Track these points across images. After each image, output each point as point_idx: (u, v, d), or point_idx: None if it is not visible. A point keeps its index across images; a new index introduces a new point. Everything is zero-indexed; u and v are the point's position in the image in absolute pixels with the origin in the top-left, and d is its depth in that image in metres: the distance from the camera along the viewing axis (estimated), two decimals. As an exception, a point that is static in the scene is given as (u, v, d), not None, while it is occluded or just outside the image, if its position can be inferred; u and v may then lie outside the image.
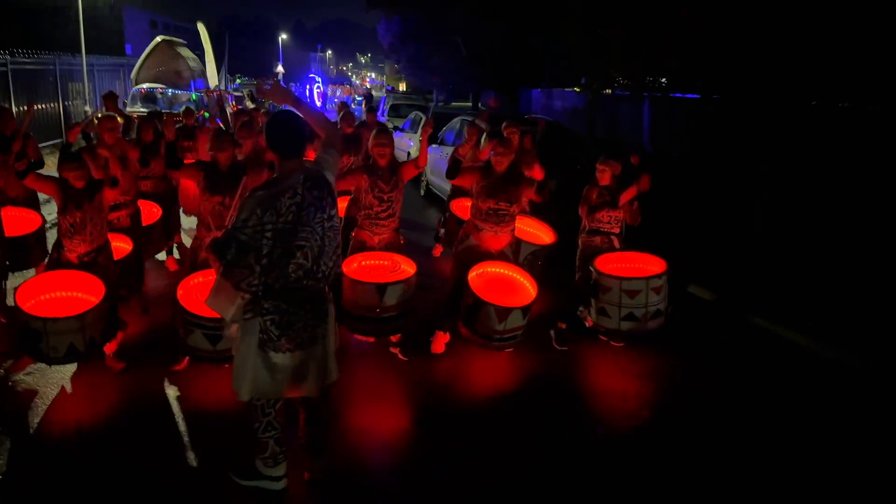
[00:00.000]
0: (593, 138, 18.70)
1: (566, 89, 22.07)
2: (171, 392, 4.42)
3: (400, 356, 5.05)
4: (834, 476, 3.86)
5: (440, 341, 5.17)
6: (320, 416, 3.48)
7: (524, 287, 4.98)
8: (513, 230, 5.23)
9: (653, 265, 5.29)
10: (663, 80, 12.18)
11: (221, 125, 17.43)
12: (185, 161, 7.52)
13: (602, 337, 5.50)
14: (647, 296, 5.02)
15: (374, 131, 5.17)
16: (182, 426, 4.03)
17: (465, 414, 4.39)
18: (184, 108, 9.40)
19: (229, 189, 4.67)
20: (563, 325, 5.43)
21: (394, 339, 5.08)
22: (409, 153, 13.99)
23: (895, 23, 7.25)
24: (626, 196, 5.22)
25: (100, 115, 6.97)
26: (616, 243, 5.49)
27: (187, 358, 4.60)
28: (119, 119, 6.59)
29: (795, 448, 4.14)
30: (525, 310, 4.73)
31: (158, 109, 13.48)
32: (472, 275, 4.85)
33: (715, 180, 12.10)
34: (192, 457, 3.71)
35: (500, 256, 5.13)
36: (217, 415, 4.16)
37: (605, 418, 4.44)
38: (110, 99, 8.69)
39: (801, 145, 10.22)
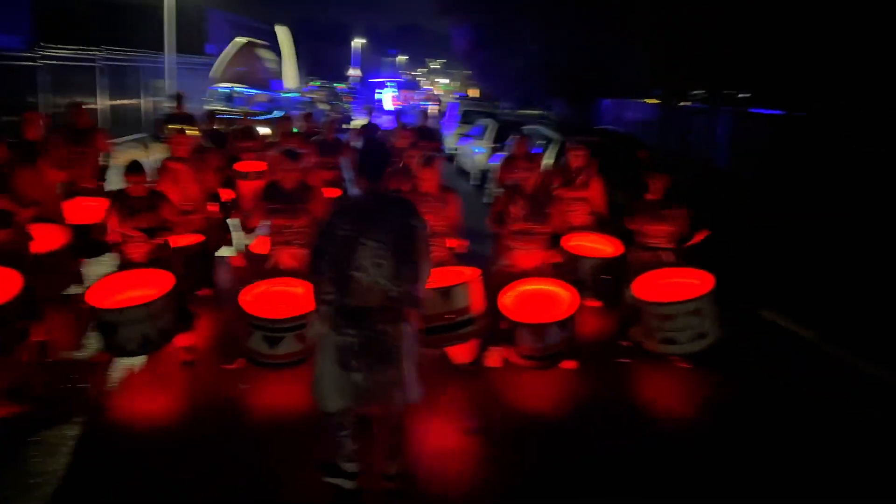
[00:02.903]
0: (666, 151, 18.24)
1: (638, 100, 21.61)
2: (237, 391, 4.48)
3: (456, 365, 4.96)
4: None
5: (495, 356, 5.06)
6: (397, 425, 3.48)
7: (564, 300, 4.84)
8: (548, 244, 5.13)
9: (700, 283, 5.04)
10: (747, 94, 11.69)
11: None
12: (242, 162, 7.63)
13: (671, 357, 5.29)
14: (684, 319, 4.83)
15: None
16: (254, 426, 4.12)
17: (524, 428, 4.32)
18: (283, 114, 9.63)
19: (294, 210, 4.81)
20: (628, 343, 5.29)
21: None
22: (474, 158, 13.94)
23: None
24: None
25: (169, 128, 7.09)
26: (664, 258, 5.32)
27: (243, 360, 4.59)
28: (189, 130, 6.77)
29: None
30: (562, 323, 4.59)
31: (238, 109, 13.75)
32: (505, 298, 4.78)
33: (794, 201, 11.57)
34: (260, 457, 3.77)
35: (535, 273, 5.02)
36: (289, 416, 4.21)
37: (661, 437, 4.30)
38: (178, 99, 8.88)
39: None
